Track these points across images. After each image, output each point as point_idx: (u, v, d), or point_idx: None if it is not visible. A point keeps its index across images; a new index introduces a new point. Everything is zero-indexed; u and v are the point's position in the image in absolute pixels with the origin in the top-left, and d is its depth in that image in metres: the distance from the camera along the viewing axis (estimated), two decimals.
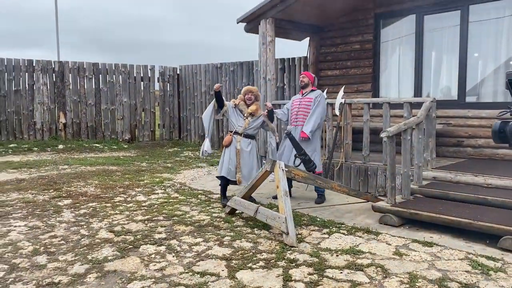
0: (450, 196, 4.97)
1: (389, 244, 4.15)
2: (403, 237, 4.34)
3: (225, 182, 5.70)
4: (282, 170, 4.44)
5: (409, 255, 3.85)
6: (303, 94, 5.87)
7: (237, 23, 7.94)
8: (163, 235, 4.44)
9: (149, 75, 12.94)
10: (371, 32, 7.94)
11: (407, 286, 3.24)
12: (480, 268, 3.52)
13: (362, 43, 8.09)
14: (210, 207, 5.61)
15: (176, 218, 5.08)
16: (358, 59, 8.15)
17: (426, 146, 5.70)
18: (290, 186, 5.81)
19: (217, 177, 5.85)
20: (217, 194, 6.32)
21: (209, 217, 5.14)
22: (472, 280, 3.31)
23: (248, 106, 5.70)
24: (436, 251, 3.94)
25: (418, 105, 5.98)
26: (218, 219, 5.03)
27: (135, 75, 12.71)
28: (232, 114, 5.70)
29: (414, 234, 4.46)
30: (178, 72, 13.28)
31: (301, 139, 5.58)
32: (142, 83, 12.88)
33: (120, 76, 12.51)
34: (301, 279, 3.36)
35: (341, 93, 6.51)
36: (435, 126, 5.91)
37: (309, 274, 3.46)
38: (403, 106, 5.91)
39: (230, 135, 5.63)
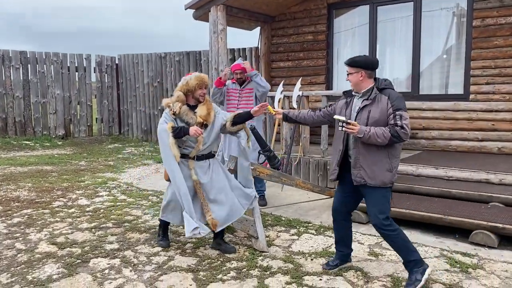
0: (415, 190, 4.90)
1: (362, 244, 3.97)
2: (374, 235, 4.17)
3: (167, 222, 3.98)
4: None
5: (384, 255, 3.68)
6: (241, 86, 5.16)
7: (185, 9, 7.41)
8: (115, 245, 3.93)
9: (85, 65, 11.90)
10: (324, 23, 7.76)
11: None
12: (458, 266, 3.42)
13: (315, 34, 7.89)
14: None
15: (127, 224, 4.56)
16: (311, 51, 7.94)
17: None
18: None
19: (161, 219, 3.96)
20: None
21: None
22: (455, 280, 3.19)
23: (194, 109, 3.64)
24: None
25: None
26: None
27: (68, 64, 11.63)
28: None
29: None
30: (116, 62, 12.36)
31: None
32: (76, 73, 11.82)
33: (52, 66, 11.40)
34: None
35: (298, 85, 6.27)
36: None
37: (287, 283, 3.16)
38: None
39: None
